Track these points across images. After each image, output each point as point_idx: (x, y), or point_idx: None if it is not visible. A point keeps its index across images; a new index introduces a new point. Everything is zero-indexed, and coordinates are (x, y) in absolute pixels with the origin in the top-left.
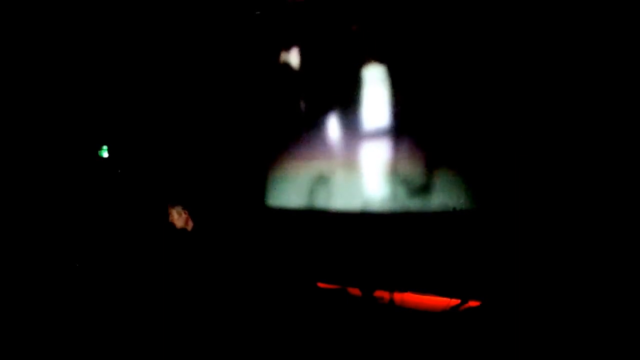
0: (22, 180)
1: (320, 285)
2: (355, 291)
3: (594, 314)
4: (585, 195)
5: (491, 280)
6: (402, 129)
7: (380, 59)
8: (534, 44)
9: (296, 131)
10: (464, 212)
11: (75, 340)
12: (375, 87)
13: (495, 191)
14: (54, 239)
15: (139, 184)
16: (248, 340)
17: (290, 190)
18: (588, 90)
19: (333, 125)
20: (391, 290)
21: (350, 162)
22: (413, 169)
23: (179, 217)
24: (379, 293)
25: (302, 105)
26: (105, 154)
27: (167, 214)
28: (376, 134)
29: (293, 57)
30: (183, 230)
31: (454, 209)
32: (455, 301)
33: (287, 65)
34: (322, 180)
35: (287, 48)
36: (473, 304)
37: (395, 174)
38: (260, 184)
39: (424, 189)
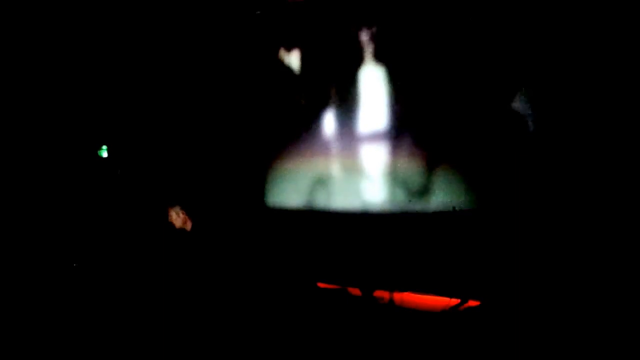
0: (22, 180)
1: (320, 285)
2: (355, 291)
3: (594, 313)
4: (585, 195)
5: (491, 280)
6: (402, 128)
7: (380, 59)
8: (532, 43)
9: (296, 130)
10: (464, 212)
11: (76, 340)
12: (375, 86)
13: (495, 191)
14: (53, 238)
15: (138, 184)
16: (248, 340)
17: (290, 189)
18: (587, 91)
19: (333, 125)
20: (391, 290)
21: (350, 161)
22: (413, 169)
23: (177, 217)
24: (378, 293)
25: (302, 104)
26: (104, 154)
27: (166, 214)
28: (376, 134)
29: (293, 57)
30: (182, 230)
31: (454, 208)
32: (455, 301)
33: (286, 65)
34: (321, 179)
35: (287, 47)
36: (473, 303)
37: (395, 173)
38: (259, 184)
39: (424, 189)
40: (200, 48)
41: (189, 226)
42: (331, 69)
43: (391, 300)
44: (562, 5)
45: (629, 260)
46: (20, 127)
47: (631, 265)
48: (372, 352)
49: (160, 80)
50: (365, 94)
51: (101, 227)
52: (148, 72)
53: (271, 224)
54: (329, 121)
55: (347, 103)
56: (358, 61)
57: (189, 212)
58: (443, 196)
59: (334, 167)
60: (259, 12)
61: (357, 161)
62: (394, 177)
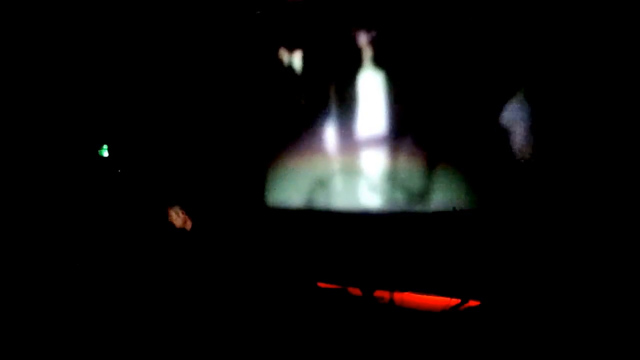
0: (22, 180)
1: (321, 285)
2: (355, 291)
3: (594, 313)
4: (585, 195)
5: (491, 280)
6: (402, 128)
7: (380, 59)
8: (531, 43)
9: (296, 130)
10: (464, 212)
11: (76, 340)
12: (375, 86)
13: (495, 191)
14: (53, 238)
15: (139, 183)
16: (248, 340)
17: (290, 189)
18: (583, 92)
19: (333, 124)
20: (391, 290)
21: (351, 161)
22: (413, 169)
23: (177, 217)
24: (379, 293)
25: (302, 104)
26: (105, 153)
27: (167, 214)
28: (376, 134)
29: (293, 57)
30: (182, 230)
31: (454, 208)
32: (455, 301)
33: (287, 65)
34: (322, 179)
35: (287, 47)
36: (473, 303)
37: (395, 173)
38: (259, 183)
39: (424, 189)
40: (200, 48)
41: (189, 226)
42: (331, 69)
43: (391, 300)
44: (556, 8)
45: (629, 260)
46: (21, 126)
47: (631, 265)
48: (373, 352)
49: (160, 80)
50: (366, 93)
51: (102, 226)
52: (148, 71)
53: (271, 223)
54: (329, 121)
55: (347, 103)
56: (358, 61)
57: (189, 212)
58: (443, 196)
59: (335, 167)
60: (259, 12)
61: (358, 161)
62: (394, 177)
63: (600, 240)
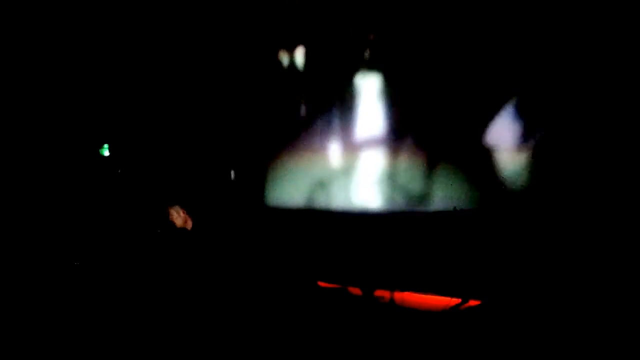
0: (22, 179)
1: (321, 284)
2: (355, 290)
3: (594, 313)
4: (585, 194)
5: (491, 279)
6: (402, 127)
7: (380, 58)
8: (529, 43)
9: (296, 129)
10: (465, 212)
11: (76, 340)
12: (375, 85)
13: (495, 191)
14: (53, 237)
15: (139, 182)
16: (248, 339)
17: (290, 188)
18: (579, 93)
19: (333, 124)
20: (392, 289)
21: (351, 161)
22: (414, 168)
23: (177, 217)
24: (379, 292)
25: (301, 103)
26: (106, 153)
27: (167, 214)
28: (377, 134)
29: (294, 56)
30: (183, 229)
31: (455, 208)
32: (455, 300)
33: (287, 65)
34: (322, 179)
35: (288, 47)
36: (473, 303)
37: (396, 173)
38: (259, 183)
39: (424, 188)
40: (200, 48)
41: (189, 225)
42: (331, 69)
43: (392, 300)
44: (550, 9)
45: (629, 259)
46: (22, 126)
47: (631, 264)
48: (373, 352)
49: (160, 80)
50: (367, 93)
51: (102, 225)
52: (149, 71)
53: (272, 223)
54: (329, 121)
55: (348, 102)
56: (359, 61)
57: (189, 211)
58: (443, 196)
59: (335, 167)
60: (258, 11)
61: (358, 161)
62: (395, 176)
63: (600, 239)
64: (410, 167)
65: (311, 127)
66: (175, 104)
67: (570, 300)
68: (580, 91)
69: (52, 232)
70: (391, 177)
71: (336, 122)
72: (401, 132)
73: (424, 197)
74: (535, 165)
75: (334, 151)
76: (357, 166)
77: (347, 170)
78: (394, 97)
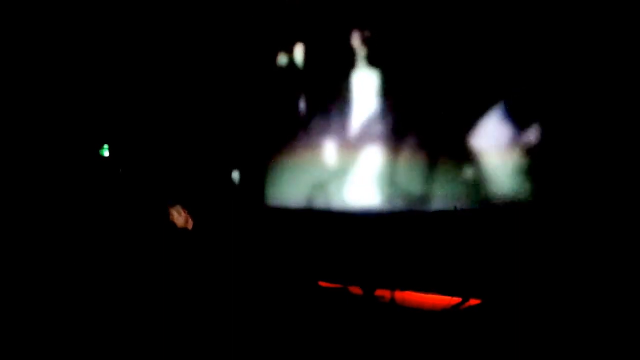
0: (22, 179)
1: (321, 284)
2: (356, 290)
3: (594, 312)
4: (585, 193)
5: (492, 278)
6: (403, 126)
7: (381, 57)
8: (528, 42)
9: (296, 129)
10: (465, 211)
11: (76, 340)
12: (376, 84)
13: (495, 190)
14: (54, 237)
15: (139, 182)
16: (249, 339)
17: (291, 188)
18: (575, 93)
19: (334, 123)
20: (392, 289)
21: (351, 160)
22: (414, 167)
23: (178, 216)
24: (380, 292)
25: (301, 102)
26: (106, 153)
27: (168, 213)
28: (377, 132)
29: (291, 55)
30: (183, 229)
31: (455, 207)
32: (456, 300)
33: (286, 63)
34: (322, 178)
35: (286, 46)
36: (474, 302)
37: (396, 172)
38: (260, 183)
39: (425, 188)
40: (199, 48)
41: (190, 225)
42: (330, 67)
43: (392, 299)
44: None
45: (629, 259)
46: (22, 126)
47: (631, 263)
48: (373, 351)
49: (160, 80)
50: (367, 92)
51: (102, 225)
52: (148, 70)
53: (272, 222)
54: (329, 120)
55: (348, 101)
56: (358, 59)
57: (190, 211)
58: (444, 195)
59: (335, 166)
60: (258, 11)
61: (358, 160)
62: (395, 175)
63: (600, 238)
64: (411, 166)
65: (311, 126)
66: (175, 104)
67: (570, 299)
68: (581, 92)
69: (52, 232)
70: (392, 176)
71: (336, 121)
72: (402, 130)
73: (424, 196)
74: (536, 164)
75: (334, 151)
76: (357, 165)
77: (348, 169)
78: (395, 95)
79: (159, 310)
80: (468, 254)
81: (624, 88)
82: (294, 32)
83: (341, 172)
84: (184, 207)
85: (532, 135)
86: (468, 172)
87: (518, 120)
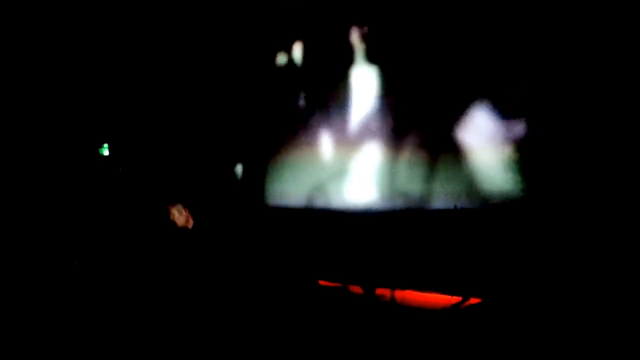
0: (23, 178)
1: (322, 283)
2: (356, 289)
3: (594, 311)
4: (586, 194)
5: (492, 277)
6: (402, 125)
7: (381, 56)
8: (527, 41)
9: (296, 128)
10: (465, 210)
11: (76, 340)
12: (376, 83)
13: (495, 189)
14: (54, 237)
15: (140, 182)
16: (249, 338)
17: (291, 187)
18: (572, 93)
19: (334, 122)
20: (392, 288)
21: (351, 159)
22: (414, 166)
23: (179, 216)
24: (380, 291)
25: (300, 102)
26: (106, 152)
27: (168, 213)
28: (377, 131)
29: (291, 54)
30: (184, 228)
31: (455, 206)
32: (456, 299)
33: (285, 62)
34: (322, 177)
35: (286, 45)
36: (474, 301)
37: (396, 171)
38: (261, 182)
39: (425, 187)
40: (199, 48)
41: (191, 224)
42: (330, 66)
43: (393, 298)
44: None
45: (629, 258)
46: (22, 125)
47: (631, 263)
48: (374, 350)
49: (160, 79)
50: (367, 91)
51: (102, 225)
52: (148, 70)
53: (272, 222)
54: (329, 118)
55: (349, 100)
56: (358, 58)
57: (191, 210)
58: (444, 194)
59: (335, 166)
60: (257, 11)
61: (358, 159)
62: (396, 174)
63: (600, 238)
64: (411, 164)
65: (311, 125)
66: (175, 103)
67: (570, 297)
68: (582, 93)
69: (52, 232)
70: (392, 175)
71: (336, 120)
72: (402, 129)
73: (424, 195)
74: (537, 163)
75: (334, 150)
76: (357, 164)
77: (348, 168)
78: (394, 93)
79: (160, 308)
80: (468, 252)
81: (626, 89)
82: (293, 31)
83: (341, 171)
84: (185, 207)
85: (534, 133)
86: (468, 171)
87: (518, 120)
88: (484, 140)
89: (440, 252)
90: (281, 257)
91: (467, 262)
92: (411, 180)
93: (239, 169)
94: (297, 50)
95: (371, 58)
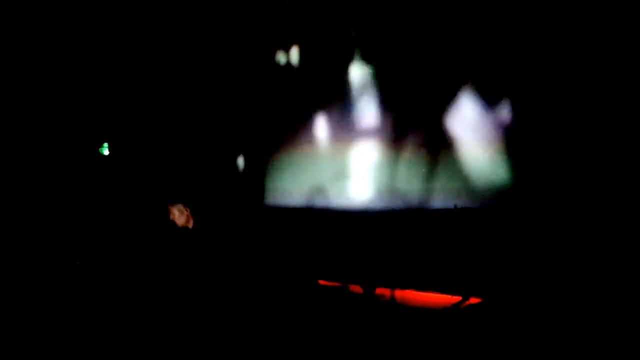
0: (23, 178)
1: (322, 282)
2: (356, 289)
3: (594, 311)
4: (586, 193)
5: (492, 277)
6: (402, 124)
7: (381, 54)
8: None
9: (295, 128)
10: (465, 210)
11: (76, 340)
12: (376, 82)
13: (495, 189)
14: (54, 236)
15: (140, 181)
16: (249, 338)
17: (291, 187)
18: (568, 93)
19: (334, 122)
20: (392, 287)
21: (351, 159)
22: (414, 166)
23: (180, 215)
24: (380, 290)
25: (300, 101)
26: (106, 152)
27: (168, 212)
28: (376, 131)
29: (290, 55)
30: (184, 228)
31: (455, 206)
32: (456, 298)
33: (284, 63)
34: (322, 177)
35: (285, 45)
36: (474, 300)
37: (396, 171)
38: (260, 181)
39: (425, 186)
40: (198, 48)
41: (191, 224)
42: (328, 65)
43: (392, 298)
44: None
45: (629, 258)
46: (23, 125)
47: (631, 262)
48: (374, 350)
49: (160, 79)
50: (367, 90)
51: (103, 224)
52: (148, 70)
53: (272, 221)
54: (329, 118)
55: (348, 99)
56: (356, 57)
57: (191, 210)
58: (444, 194)
59: (336, 165)
60: (257, 11)
61: (358, 159)
62: (395, 174)
63: (600, 237)
64: (410, 164)
65: (311, 125)
66: (175, 104)
67: (570, 297)
68: (583, 93)
69: (52, 232)
70: (392, 175)
71: (336, 120)
72: (400, 129)
73: (424, 195)
74: (537, 163)
75: (334, 149)
76: (357, 164)
77: (347, 168)
78: (395, 92)
79: (160, 308)
80: (468, 252)
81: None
82: (293, 31)
83: (341, 171)
84: (186, 206)
85: (534, 132)
86: (468, 171)
87: (519, 120)
88: (484, 140)
89: (440, 252)
90: (281, 256)
91: (467, 261)
92: (411, 180)
93: (239, 168)
94: (297, 50)
95: (371, 58)
